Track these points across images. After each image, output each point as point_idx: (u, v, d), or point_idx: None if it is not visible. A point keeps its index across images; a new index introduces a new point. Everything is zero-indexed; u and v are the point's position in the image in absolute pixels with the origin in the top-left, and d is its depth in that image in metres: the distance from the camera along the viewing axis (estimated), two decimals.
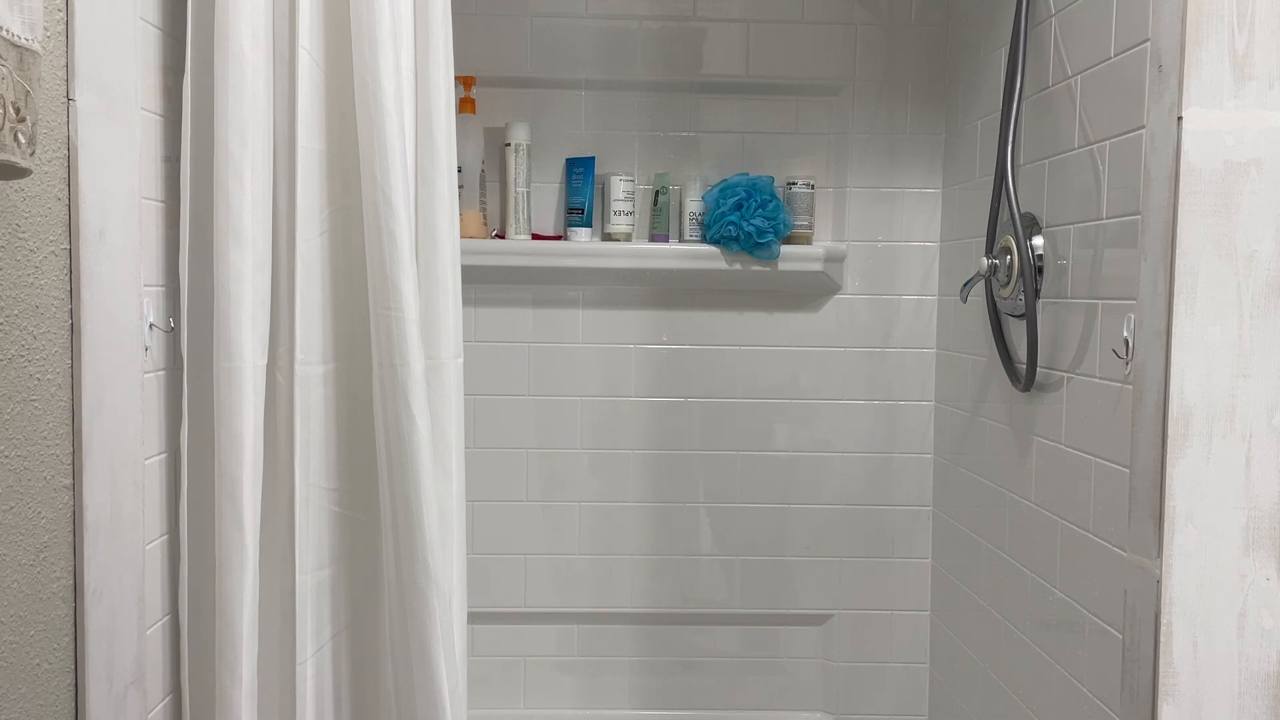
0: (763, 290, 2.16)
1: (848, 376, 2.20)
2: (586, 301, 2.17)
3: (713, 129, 2.16)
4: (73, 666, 1.20)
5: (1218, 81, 1.19)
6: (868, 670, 2.25)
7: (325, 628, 1.42)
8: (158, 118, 1.37)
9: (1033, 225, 1.66)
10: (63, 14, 1.14)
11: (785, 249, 2.07)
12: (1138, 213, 1.31)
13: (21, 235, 1.07)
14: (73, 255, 1.16)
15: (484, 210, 2.12)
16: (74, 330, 1.17)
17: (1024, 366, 1.66)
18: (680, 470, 2.21)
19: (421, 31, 1.36)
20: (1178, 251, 1.20)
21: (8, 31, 0.84)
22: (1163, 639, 1.22)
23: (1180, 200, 1.19)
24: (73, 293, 1.17)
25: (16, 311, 1.07)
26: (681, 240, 2.14)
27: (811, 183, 2.11)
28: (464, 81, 2.05)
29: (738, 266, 2.09)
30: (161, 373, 1.38)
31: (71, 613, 1.19)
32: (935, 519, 2.20)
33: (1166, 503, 1.21)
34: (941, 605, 2.17)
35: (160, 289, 1.38)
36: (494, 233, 2.13)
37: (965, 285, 1.84)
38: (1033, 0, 1.65)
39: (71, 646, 1.19)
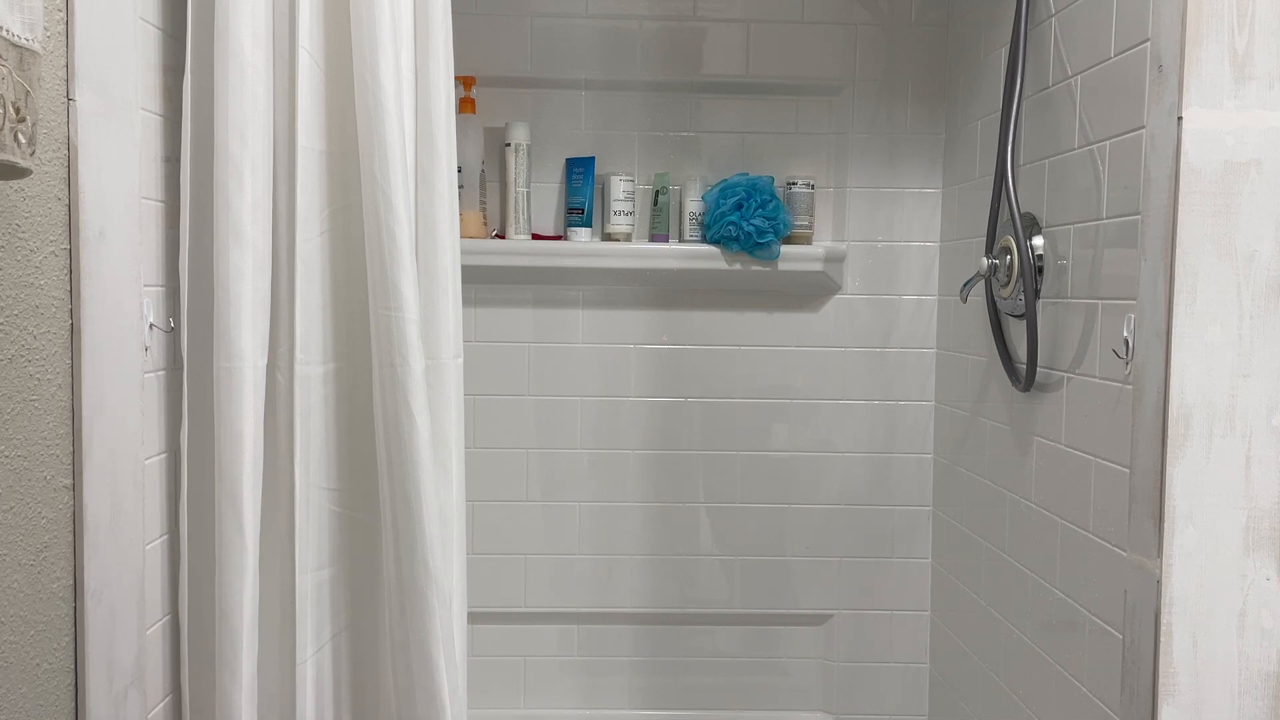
0: (763, 290, 2.16)
1: (848, 376, 2.20)
2: (586, 301, 2.17)
3: (713, 129, 2.16)
4: (73, 666, 1.20)
5: (1218, 81, 1.19)
6: (868, 670, 2.25)
7: (325, 628, 1.42)
8: (158, 118, 1.37)
9: (1033, 225, 1.66)
10: (63, 14, 1.14)
11: (785, 249, 2.07)
12: (1138, 213, 1.31)
13: (21, 235, 1.07)
14: (73, 255, 1.16)
15: (484, 210, 2.12)
16: (74, 330, 1.17)
17: (1024, 366, 1.66)
18: (680, 470, 2.21)
19: (421, 31, 1.36)
20: (1178, 251, 1.20)
21: (8, 31, 0.84)
22: (1163, 639, 1.22)
23: (1180, 200, 1.19)
24: (73, 293, 1.17)
25: (16, 311, 1.07)
26: (681, 240, 2.13)
27: (811, 183, 2.11)
28: (464, 81, 2.05)
29: (738, 266, 2.09)
30: (161, 373, 1.38)
31: (71, 613, 1.19)
32: (935, 519, 2.20)
33: (1166, 503, 1.21)
34: (941, 605, 2.17)
35: (160, 289, 1.38)
36: (494, 233, 2.13)
37: (965, 285, 1.84)
38: (1033, 0, 1.65)
39: (71, 646, 1.19)
